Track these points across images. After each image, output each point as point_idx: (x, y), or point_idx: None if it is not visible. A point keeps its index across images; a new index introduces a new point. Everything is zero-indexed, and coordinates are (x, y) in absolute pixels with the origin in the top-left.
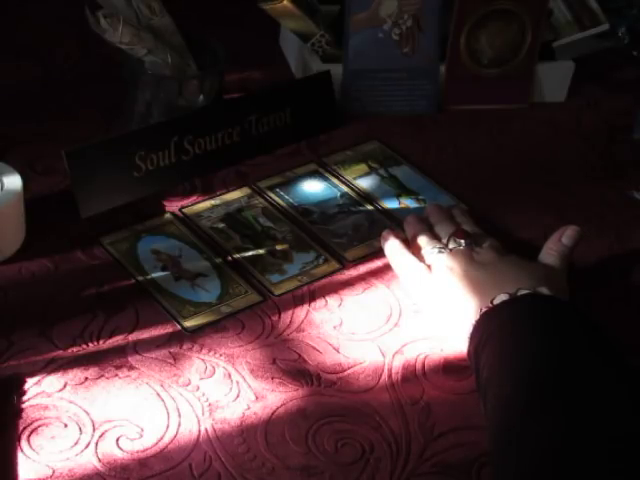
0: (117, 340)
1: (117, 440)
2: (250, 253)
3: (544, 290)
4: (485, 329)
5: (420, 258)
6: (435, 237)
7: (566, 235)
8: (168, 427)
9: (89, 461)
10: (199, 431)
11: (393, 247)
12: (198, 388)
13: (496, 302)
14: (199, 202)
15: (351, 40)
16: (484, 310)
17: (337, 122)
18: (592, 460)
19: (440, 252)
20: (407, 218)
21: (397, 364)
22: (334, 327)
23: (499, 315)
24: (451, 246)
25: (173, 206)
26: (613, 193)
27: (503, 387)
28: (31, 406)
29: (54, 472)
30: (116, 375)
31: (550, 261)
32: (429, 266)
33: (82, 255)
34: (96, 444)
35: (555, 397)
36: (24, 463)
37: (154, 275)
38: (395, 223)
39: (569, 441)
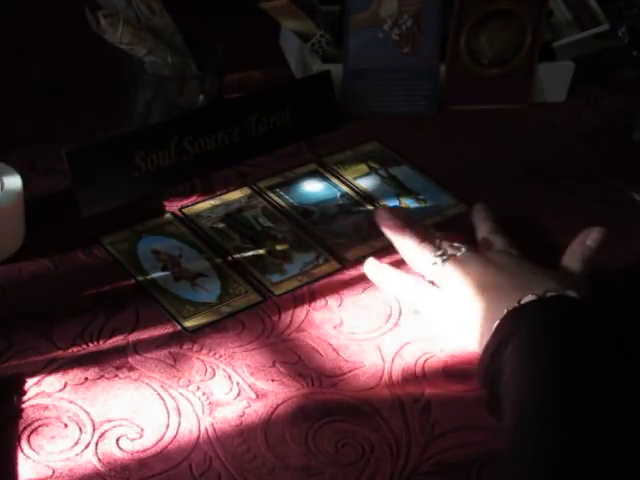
0: (117, 340)
1: (117, 440)
2: (250, 253)
3: (572, 293)
4: (509, 327)
5: (415, 266)
6: (426, 243)
7: (591, 237)
8: (168, 427)
9: (89, 461)
10: (199, 431)
11: (381, 272)
12: (198, 388)
13: (523, 302)
14: (199, 202)
15: (351, 40)
16: (509, 309)
17: (337, 122)
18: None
19: (444, 262)
20: (382, 221)
21: (397, 364)
22: (334, 327)
23: (526, 314)
24: (450, 252)
25: (173, 206)
26: (613, 193)
27: (522, 388)
28: (31, 406)
29: (54, 472)
30: (116, 375)
31: (573, 265)
32: (431, 281)
33: (82, 255)
34: (96, 444)
35: (575, 405)
36: (24, 463)
37: (154, 275)
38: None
39: (580, 455)
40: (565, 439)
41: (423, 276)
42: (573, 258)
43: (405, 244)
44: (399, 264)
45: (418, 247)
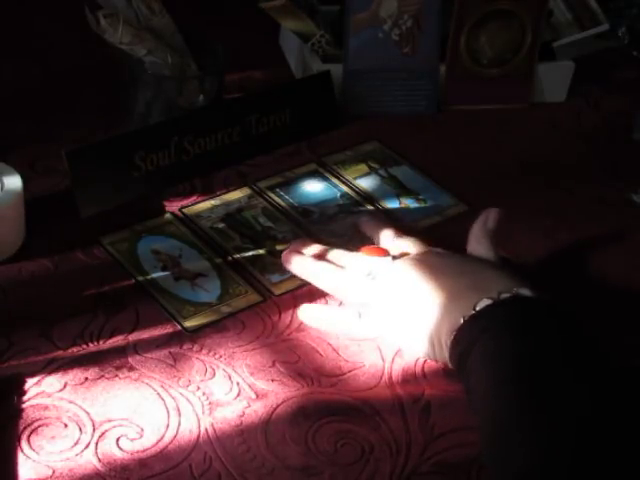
0: (117, 340)
1: (117, 440)
2: (250, 253)
3: (526, 292)
4: (469, 337)
5: (344, 295)
6: (347, 273)
7: (490, 219)
8: (168, 427)
9: (89, 461)
10: (199, 431)
11: (318, 314)
12: (198, 388)
13: (479, 308)
14: (199, 202)
15: (351, 40)
16: (466, 318)
17: (337, 122)
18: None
19: (373, 281)
20: (292, 268)
21: (397, 364)
22: None
23: (485, 320)
24: (376, 269)
25: (173, 206)
26: (613, 193)
27: (490, 393)
28: (31, 406)
29: (54, 472)
30: (116, 375)
31: (481, 251)
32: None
33: (82, 255)
34: (96, 444)
35: (552, 403)
36: (24, 463)
37: (154, 275)
38: (395, 223)
39: (566, 455)
40: (549, 438)
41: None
42: (479, 244)
43: (326, 279)
44: None
45: (339, 276)
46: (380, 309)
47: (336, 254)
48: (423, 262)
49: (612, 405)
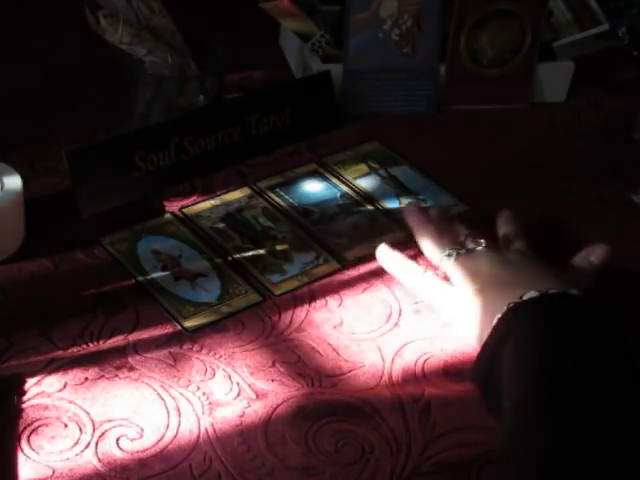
0: (117, 340)
1: (117, 440)
2: (250, 253)
3: (574, 292)
4: (509, 324)
5: (432, 258)
6: (447, 238)
7: (595, 254)
8: (168, 427)
9: (89, 461)
10: (199, 431)
11: (392, 259)
12: (198, 388)
13: (525, 298)
14: (199, 202)
15: (351, 40)
16: (510, 305)
17: (337, 122)
18: None
19: (458, 256)
20: (408, 215)
21: (397, 364)
22: (334, 327)
23: (524, 311)
24: (470, 246)
25: (173, 206)
26: (613, 193)
27: (516, 388)
28: (31, 406)
29: (54, 472)
30: (116, 375)
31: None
32: (444, 275)
33: (82, 255)
34: (96, 444)
35: (563, 405)
36: (24, 463)
37: (154, 275)
38: (395, 223)
39: (571, 456)
40: (555, 440)
41: (437, 269)
42: (577, 274)
43: (425, 237)
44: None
45: (436, 241)
46: (455, 284)
47: (454, 227)
48: (504, 256)
49: (627, 411)
